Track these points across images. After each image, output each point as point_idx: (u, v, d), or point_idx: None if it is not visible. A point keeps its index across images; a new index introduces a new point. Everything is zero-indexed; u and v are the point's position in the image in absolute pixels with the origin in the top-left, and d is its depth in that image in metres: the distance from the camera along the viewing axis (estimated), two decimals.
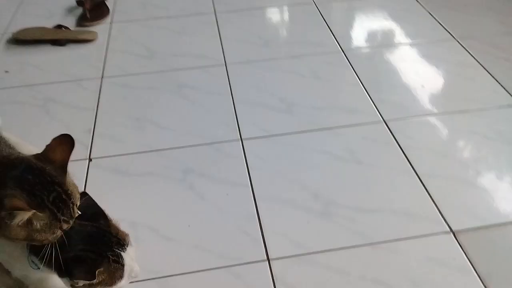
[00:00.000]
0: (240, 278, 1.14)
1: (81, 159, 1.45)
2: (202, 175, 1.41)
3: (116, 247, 0.90)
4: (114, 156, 1.48)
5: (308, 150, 1.49)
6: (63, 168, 0.84)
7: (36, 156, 0.85)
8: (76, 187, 0.87)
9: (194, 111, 1.67)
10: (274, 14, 2.28)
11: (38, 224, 0.79)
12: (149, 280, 1.14)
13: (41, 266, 0.88)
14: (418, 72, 1.82)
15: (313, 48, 1.98)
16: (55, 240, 0.84)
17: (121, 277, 0.90)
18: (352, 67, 1.84)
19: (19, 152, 0.95)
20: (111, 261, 0.88)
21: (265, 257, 1.18)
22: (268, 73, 1.84)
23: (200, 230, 1.26)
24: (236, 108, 1.66)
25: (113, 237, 0.91)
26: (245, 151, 1.48)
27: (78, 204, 0.86)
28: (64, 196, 0.82)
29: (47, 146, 0.86)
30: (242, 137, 1.54)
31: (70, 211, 0.83)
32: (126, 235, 0.95)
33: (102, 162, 1.45)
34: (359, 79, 1.78)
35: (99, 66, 1.89)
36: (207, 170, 1.42)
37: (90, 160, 1.45)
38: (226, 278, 1.14)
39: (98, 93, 1.74)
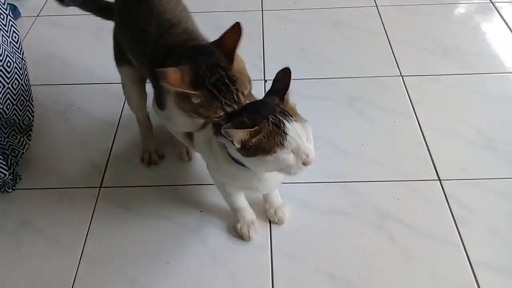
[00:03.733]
0: (416, 191, 1.29)
1: (257, 80, 1.63)
2: (368, 103, 1.54)
3: (278, 114, 0.87)
4: None
5: (467, 92, 1.58)
6: (231, 54, 0.87)
7: (213, 42, 0.92)
8: (246, 77, 0.90)
9: (351, 46, 1.79)
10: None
11: (196, 100, 0.85)
12: (334, 183, 1.32)
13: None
14: None
15: None
16: (219, 120, 0.89)
17: (281, 144, 0.86)
18: None
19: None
20: (270, 122, 0.86)
21: (436, 177, 1.32)
22: (422, 17, 1.92)
23: (373, 148, 1.41)
24: (392, 47, 1.76)
25: (277, 107, 0.89)
26: (407, 87, 1.60)
27: (245, 92, 0.89)
28: (226, 80, 0.86)
29: (222, 34, 0.90)
30: (402, 74, 1.65)
31: (233, 96, 0.87)
32: (295, 113, 0.92)
33: None
34: None
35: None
36: (372, 100, 1.55)
37: (265, 81, 1.63)
38: (403, 190, 1.29)
39: (261, 24, 1.90)
